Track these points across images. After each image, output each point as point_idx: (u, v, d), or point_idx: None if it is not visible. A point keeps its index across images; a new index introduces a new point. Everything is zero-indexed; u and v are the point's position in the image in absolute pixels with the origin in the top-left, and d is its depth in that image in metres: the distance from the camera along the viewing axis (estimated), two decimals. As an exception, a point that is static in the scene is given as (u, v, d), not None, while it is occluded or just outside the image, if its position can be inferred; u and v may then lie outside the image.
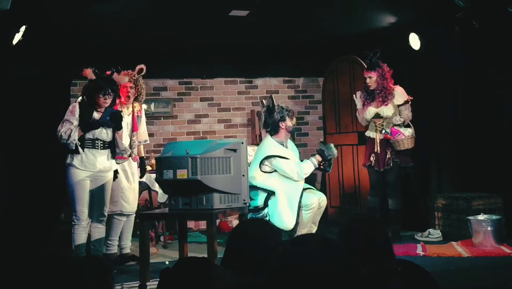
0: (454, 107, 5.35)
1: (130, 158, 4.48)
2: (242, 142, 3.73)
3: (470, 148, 5.17)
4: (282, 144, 4.69)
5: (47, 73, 5.29)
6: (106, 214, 4.22)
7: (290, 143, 4.85)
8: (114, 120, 4.06)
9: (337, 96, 6.43)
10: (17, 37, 4.50)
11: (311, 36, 5.84)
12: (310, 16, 5.10)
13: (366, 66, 5.17)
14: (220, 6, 4.68)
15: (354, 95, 5.34)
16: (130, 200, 4.45)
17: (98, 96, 4.03)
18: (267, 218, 4.44)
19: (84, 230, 4.06)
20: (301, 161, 4.75)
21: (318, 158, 4.66)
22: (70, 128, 3.98)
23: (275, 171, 4.58)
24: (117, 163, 4.36)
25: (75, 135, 3.97)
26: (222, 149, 3.62)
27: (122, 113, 4.22)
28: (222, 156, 3.60)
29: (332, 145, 4.73)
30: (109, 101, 4.09)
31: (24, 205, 4.90)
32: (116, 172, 4.30)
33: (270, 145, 4.63)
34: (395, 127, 4.97)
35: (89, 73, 4.08)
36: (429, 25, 5.17)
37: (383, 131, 5.01)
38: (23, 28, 4.49)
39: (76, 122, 3.99)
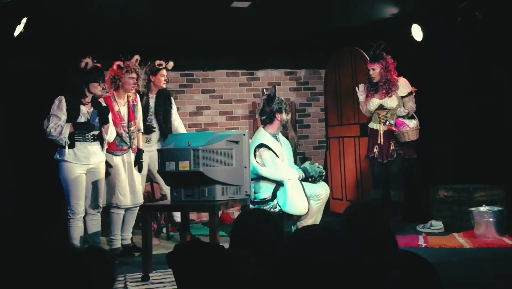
0: (456, 99, 5.34)
1: (130, 149, 4.46)
2: (244, 134, 3.74)
3: (472, 139, 5.16)
4: (275, 137, 4.74)
5: (48, 67, 5.27)
6: (101, 205, 4.24)
7: (283, 138, 4.91)
8: (101, 116, 4.05)
9: (339, 88, 6.42)
10: (19, 29, 4.49)
11: (312, 27, 5.81)
12: (311, 7, 5.07)
13: (369, 58, 5.15)
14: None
15: (356, 88, 5.32)
16: (127, 193, 4.39)
17: (95, 85, 4.04)
18: (277, 209, 4.50)
19: (80, 223, 4.08)
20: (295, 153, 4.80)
21: (302, 174, 4.69)
22: (59, 124, 3.94)
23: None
24: (117, 155, 4.36)
25: (66, 133, 3.94)
26: (224, 141, 3.62)
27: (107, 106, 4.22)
28: (224, 147, 3.60)
29: (316, 165, 4.75)
30: (102, 89, 4.13)
31: (28, 199, 4.91)
32: (108, 168, 4.29)
33: (263, 136, 4.68)
34: (400, 119, 4.95)
35: (90, 62, 4.07)
36: (432, 16, 5.14)
37: (387, 123, 5.00)
38: (24, 20, 4.48)
39: (64, 117, 3.96)
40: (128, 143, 4.43)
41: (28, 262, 1.09)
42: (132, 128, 4.46)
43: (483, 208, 4.58)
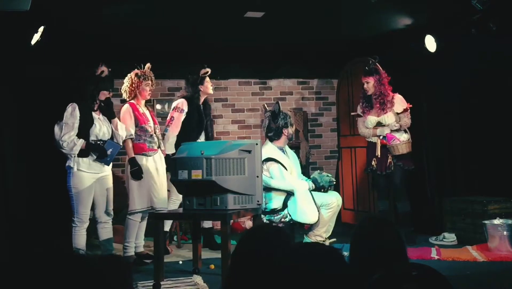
0: (470, 109, 5.31)
1: (159, 149, 4.53)
2: (257, 144, 3.75)
3: (486, 151, 5.12)
4: (282, 150, 4.76)
5: (64, 75, 5.35)
6: (112, 212, 4.26)
7: (290, 151, 4.96)
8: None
9: (351, 98, 6.41)
10: (36, 37, 4.56)
11: (325, 37, 5.83)
12: (324, 17, 5.09)
13: (364, 72, 5.19)
14: (236, 8, 4.70)
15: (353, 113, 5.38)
16: (160, 195, 4.45)
17: (105, 93, 4.14)
18: (287, 218, 4.51)
19: (85, 232, 4.10)
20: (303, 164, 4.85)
21: (312, 185, 4.73)
22: (73, 140, 3.95)
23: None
24: (149, 156, 4.42)
25: (77, 150, 3.96)
26: (236, 150, 3.64)
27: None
28: (236, 156, 3.62)
29: (325, 175, 4.80)
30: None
31: (40, 205, 4.95)
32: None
33: (271, 149, 4.71)
34: (391, 133, 4.98)
35: (106, 70, 4.13)
36: (446, 28, 5.13)
37: (381, 136, 5.03)
38: (41, 29, 4.55)
39: (76, 125, 3.99)
40: (157, 143, 4.50)
41: (42, 270, 1.09)
42: (157, 131, 4.55)
43: (497, 221, 4.53)
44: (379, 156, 5.06)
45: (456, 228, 5.07)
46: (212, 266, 4.19)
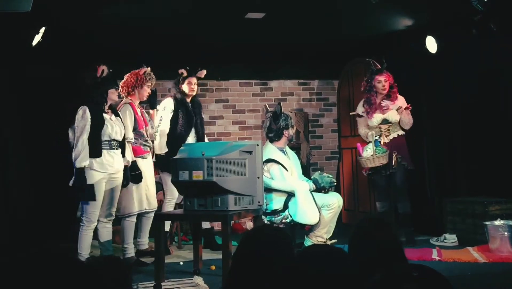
0: (470, 109, 5.31)
1: (150, 151, 4.55)
2: (257, 145, 3.75)
3: (486, 151, 5.11)
4: (282, 151, 4.77)
5: (65, 75, 5.36)
6: (114, 214, 4.26)
7: (290, 152, 4.96)
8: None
9: (352, 99, 6.41)
10: (37, 38, 4.57)
11: (326, 38, 5.83)
12: (325, 18, 5.10)
13: (377, 71, 5.14)
14: (236, 9, 4.70)
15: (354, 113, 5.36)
16: (151, 197, 4.48)
17: (113, 91, 4.16)
18: (288, 219, 4.51)
19: (91, 232, 4.09)
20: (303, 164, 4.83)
21: (313, 186, 4.73)
22: (85, 143, 3.93)
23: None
24: (145, 158, 4.45)
25: (80, 162, 3.90)
26: (237, 151, 3.64)
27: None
28: (237, 157, 3.62)
29: (326, 175, 4.79)
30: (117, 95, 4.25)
31: (42, 205, 4.96)
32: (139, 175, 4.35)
33: (271, 150, 4.71)
34: (363, 144, 4.97)
35: (106, 69, 4.13)
36: (446, 28, 5.13)
37: (379, 137, 5.01)
38: (42, 30, 4.56)
39: (88, 127, 3.98)
40: (150, 146, 4.54)
41: (41, 271, 1.09)
42: (149, 132, 4.56)
43: (498, 222, 4.53)
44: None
45: (457, 228, 5.07)
46: (213, 267, 4.19)
